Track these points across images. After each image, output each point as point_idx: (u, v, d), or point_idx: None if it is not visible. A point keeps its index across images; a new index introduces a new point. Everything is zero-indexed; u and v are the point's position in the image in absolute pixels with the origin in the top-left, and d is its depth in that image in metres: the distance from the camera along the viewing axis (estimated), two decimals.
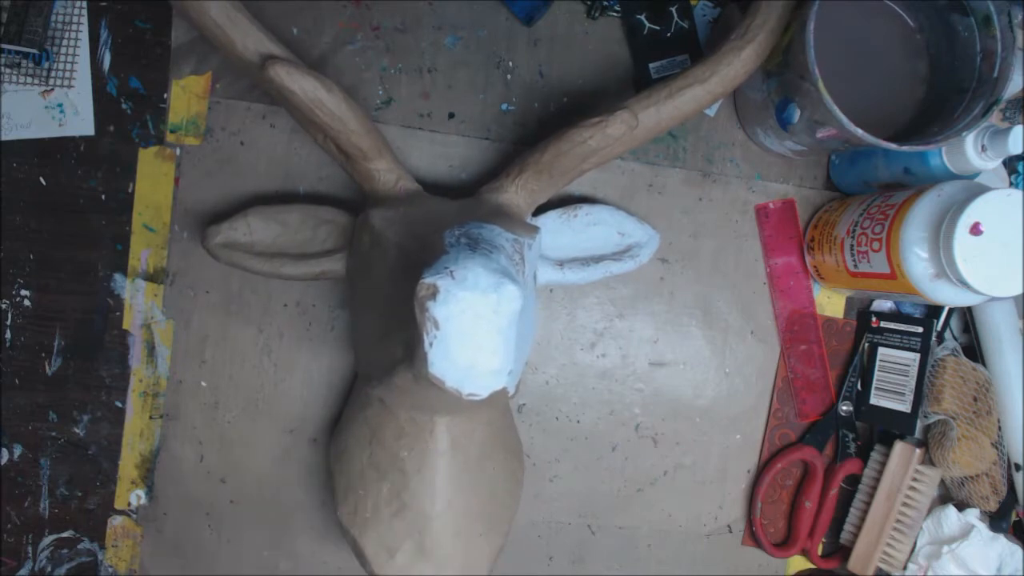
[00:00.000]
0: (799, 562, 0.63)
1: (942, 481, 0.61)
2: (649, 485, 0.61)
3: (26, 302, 0.55)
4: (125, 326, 0.56)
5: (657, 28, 0.58)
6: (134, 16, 0.55)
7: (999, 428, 0.59)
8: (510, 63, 0.58)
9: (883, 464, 0.60)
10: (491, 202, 0.51)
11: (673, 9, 0.58)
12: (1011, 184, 0.60)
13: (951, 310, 0.61)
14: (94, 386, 0.56)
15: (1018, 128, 0.49)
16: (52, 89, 0.54)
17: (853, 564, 0.61)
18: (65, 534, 0.57)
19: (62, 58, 0.54)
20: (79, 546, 0.57)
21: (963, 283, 0.47)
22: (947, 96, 0.53)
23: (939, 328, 0.60)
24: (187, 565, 0.58)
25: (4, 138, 0.54)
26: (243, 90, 0.56)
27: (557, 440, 0.60)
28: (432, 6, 0.57)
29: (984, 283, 0.47)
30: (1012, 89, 0.52)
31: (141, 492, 0.57)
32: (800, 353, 0.62)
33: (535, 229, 0.49)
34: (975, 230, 0.46)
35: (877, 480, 0.60)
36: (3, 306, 0.55)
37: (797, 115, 0.51)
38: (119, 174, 0.56)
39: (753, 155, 0.61)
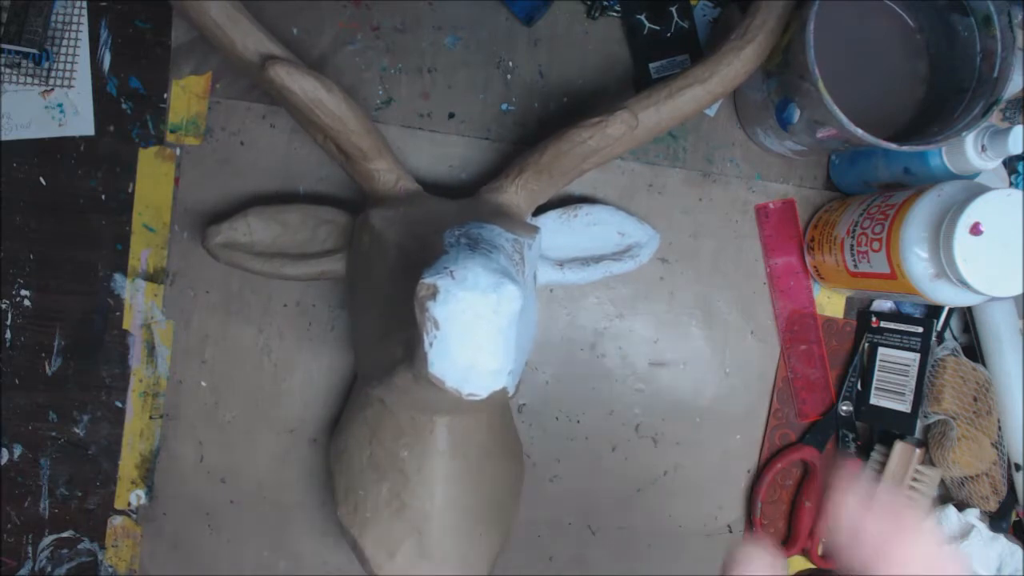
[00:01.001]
0: (799, 562, 0.63)
1: (942, 481, 0.61)
2: (649, 485, 0.61)
3: (26, 302, 0.55)
4: (125, 326, 0.56)
5: (657, 28, 0.58)
6: (134, 16, 0.55)
7: (999, 428, 0.59)
8: (510, 63, 0.58)
9: (883, 464, 0.60)
10: (491, 202, 0.51)
11: (673, 9, 0.58)
12: (1011, 184, 0.60)
13: (951, 310, 0.61)
14: (94, 386, 0.56)
15: (1018, 128, 0.49)
16: (52, 89, 0.54)
17: None
18: (65, 534, 0.57)
19: (62, 58, 0.54)
20: (79, 546, 0.57)
21: (963, 283, 0.47)
22: (947, 96, 0.53)
23: (939, 328, 0.60)
24: (187, 565, 0.58)
25: (4, 138, 0.54)
26: (243, 90, 0.56)
27: (557, 440, 0.60)
28: (432, 6, 0.57)
29: (984, 283, 0.47)
30: (1012, 89, 0.52)
31: (141, 492, 0.57)
32: (800, 353, 0.62)
33: (535, 229, 0.49)
34: (975, 230, 0.46)
35: (877, 480, 0.60)
36: (3, 306, 0.55)
37: (797, 115, 0.51)
38: (119, 174, 0.56)
39: (753, 155, 0.61)
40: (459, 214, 0.48)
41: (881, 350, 0.61)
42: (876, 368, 0.61)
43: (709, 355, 0.61)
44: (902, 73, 0.55)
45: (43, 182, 0.55)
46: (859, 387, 0.62)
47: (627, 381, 0.61)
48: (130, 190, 0.56)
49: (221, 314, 0.57)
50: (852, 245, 0.54)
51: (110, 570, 0.57)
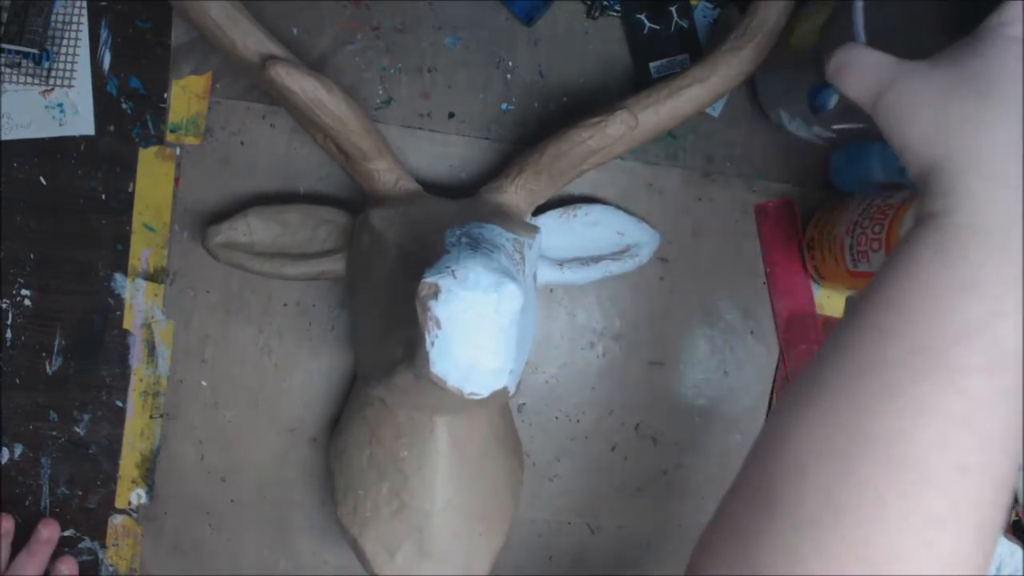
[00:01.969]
0: None
1: None
2: (649, 485, 0.61)
3: (26, 302, 0.55)
4: (125, 326, 0.56)
5: (657, 28, 0.58)
6: (134, 16, 0.55)
7: None
8: (510, 63, 0.58)
9: None
10: (491, 202, 0.51)
11: (673, 9, 0.58)
12: None
13: None
14: (94, 386, 0.56)
15: None
16: (52, 89, 0.54)
17: None
18: (66, 533, 0.57)
19: (62, 58, 0.54)
20: (80, 545, 0.57)
21: None
22: None
23: None
24: (187, 564, 0.58)
25: (4, 138, 0.54)
26: (243, 90, 0.56)
27: (557, 440, 0.60)
28: (432, 6, 0.57)
29: None
30: None
31: (141, 491, 0.57)
32: (800, 353, 0.62)
33: (535, 229, 0.50)
34: None
35: None
36: (3, 306, 0.55)
37: (834, 100, 0.49)
38: (119, 174, 0.56)
39: (753, 154, 0.61)
40: (459, 214, 0.48)
41: None
42: None
43: (709, 355, 0.61)
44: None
45: (43, 182, 0.55)
46: None
47: (627, 381, 0.61)
48: (130, 190, 0.56)
49: (221, 314, 0.57)
50: (852, 245, 0.54)
51: (111, 569, 0.57)
